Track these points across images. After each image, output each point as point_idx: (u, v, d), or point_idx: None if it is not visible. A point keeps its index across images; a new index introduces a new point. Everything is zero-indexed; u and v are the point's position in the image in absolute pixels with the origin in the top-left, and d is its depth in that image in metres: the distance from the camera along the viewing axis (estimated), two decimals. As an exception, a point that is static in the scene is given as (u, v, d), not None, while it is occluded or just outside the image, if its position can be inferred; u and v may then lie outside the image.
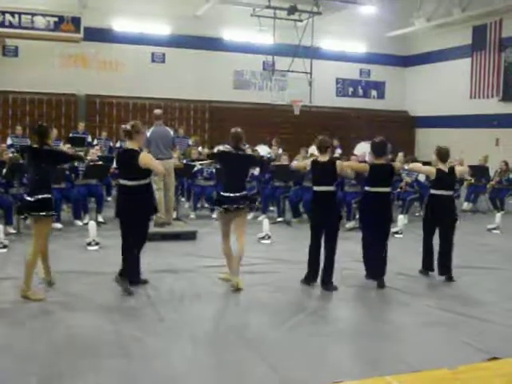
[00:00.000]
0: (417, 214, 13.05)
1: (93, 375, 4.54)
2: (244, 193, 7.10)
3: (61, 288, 6.83)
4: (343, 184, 11.87)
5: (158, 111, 10.57)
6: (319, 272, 7.20)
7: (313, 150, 15.06)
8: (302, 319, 5.98)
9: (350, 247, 8.45)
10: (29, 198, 6.47)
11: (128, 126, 6.81)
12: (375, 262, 7.43)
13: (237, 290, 6.89)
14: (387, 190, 7.50)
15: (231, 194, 7.01)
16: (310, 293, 7.03)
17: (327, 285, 7.11)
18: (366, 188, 7.58)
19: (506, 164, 14.37)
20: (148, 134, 9.78)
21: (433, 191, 7.86)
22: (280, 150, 15.00)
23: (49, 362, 4.77)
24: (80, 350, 5.01)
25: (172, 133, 10.67)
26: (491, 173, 14.50)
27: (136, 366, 4.73)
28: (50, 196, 6.54)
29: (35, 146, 6.67)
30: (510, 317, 6.19)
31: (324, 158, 7.23)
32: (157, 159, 9.52)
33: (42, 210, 6.46)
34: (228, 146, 12.13)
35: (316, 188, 7.20)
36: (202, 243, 9.53)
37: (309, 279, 7.27)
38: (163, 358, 4.87)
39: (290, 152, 13.61)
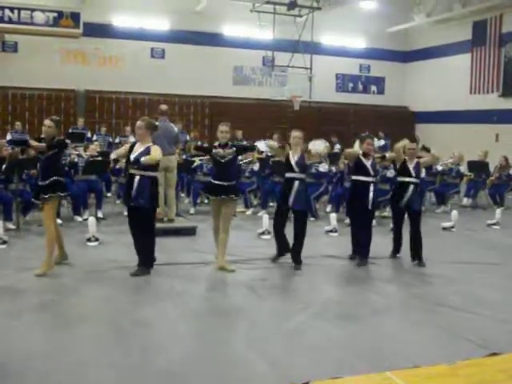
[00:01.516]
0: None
1: (92, 369, 4.55)
2: (232, 182, 7.74)
3: (60, 283, 6.84)
4: (343, 179, 11.86)
5: (163, 106, 10.43)
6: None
7: (313, 144, 15.07)
8: (301, 315, 5.98)
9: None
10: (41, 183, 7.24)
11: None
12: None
13: (226, 271, 7.54)
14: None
15: (223, 183, 7.66)
16: (311, 287, 7.03)
17: (298, 262, 7.91)
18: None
19: (506, 159, 14.36)
20: None
21: (399, 179, 8.53)
22: (280, 146, 14.96)
23: (46, 355, 4.77)
24: (78, 345, 5.01)
25: (176, 129, 10.60)
26: (491, 168, 14.49)
27: (135, 360, 4.73)
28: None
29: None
30: (510, 312, 6.19)
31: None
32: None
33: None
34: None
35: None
36: (202, 239, 9.52)
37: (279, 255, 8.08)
38: (162, 353, 4.87)
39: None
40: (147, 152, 7.13)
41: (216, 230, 7.96)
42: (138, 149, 7.26)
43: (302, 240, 7.91)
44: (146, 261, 7.34)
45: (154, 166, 7.26)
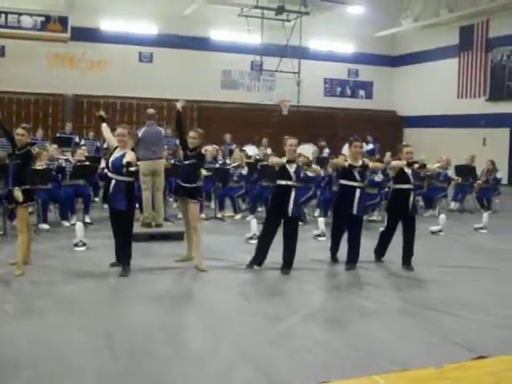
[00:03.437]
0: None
1: (79, 375, 4.52)
2: (194, 185, 7.95)
3: (47, 289, 6.79)
4: (331, 183, 11.87)
5: (150, 111, 10.41)
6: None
7: (301, 149, 15.10)
8: (290, 319, 5.97)
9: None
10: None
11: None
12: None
13: (200, 270, 7.74)
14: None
15: (184, 185, 7.96)
16: (300, 292, 7.03)
17: (288, 269, 7.85)
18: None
19: (493, 163, 14.43)
20: (139, 134, 9.75)
21: (398, 186, 8.38)
22: (268, 150, 14.99)
23: (33, 361, 4.74)
24: (65, 351, 4.97)
25: (163, 133, 10.59)
26: (478, 172, 14.55)
27: (121, 365, 4.70)
28: None
29: None
30: (497, 315, 6.22)
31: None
32: (147, 159, 9.52)
33: None
34: (215, 146, 12.57)
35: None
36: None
37: (255, 263, 8.05)
38: (148, 358, 4.84)
39: (278, 152, 13.61)
40: (123, 157, 7.24)
41: (185, 229, 8.43)
42: (118, 153, 7.45)
43: (295, 246, 7.92)
44: (126, 260, 7.52)
45: (132, 172, 7.24)
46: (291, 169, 7.82)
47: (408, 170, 8.29)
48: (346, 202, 8.12)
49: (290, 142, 7.92)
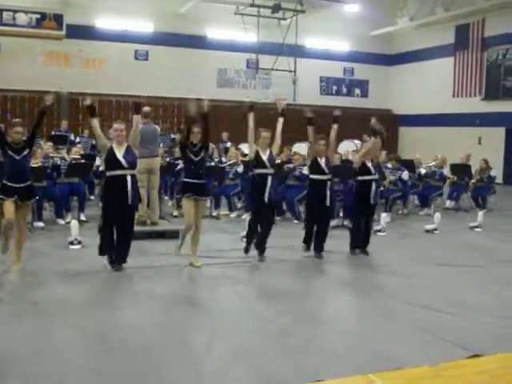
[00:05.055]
0: (399, 212, 13.12)
1: (74, 374, 4.51)
2: (205, 181, 8.01)
3: (42, 287, 6.77)
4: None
5: (146, 109, 10.38)
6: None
7: (297, 147, 15.10)
8: (284, 318, 5.97)
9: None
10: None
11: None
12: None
13: (195, 267, 7.77)
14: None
15: (199, 181, 7.81)
16: (293, 291, 7.02)
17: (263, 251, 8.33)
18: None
19: (486, 162, 14.46)
20: None
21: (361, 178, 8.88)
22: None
23: (28, 360, 4.72)
24: (60, 350, 4.96)
25: (159, 131, 10.59)
26: (473, 171, 14.57)
27: (117, 365, 4.69)
28: None
29: None
30: (491, 314, 6.22)
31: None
32: (142, 157, 9.51)
33: None
34: (211, 144, 12.54)
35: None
36: (186, 242, 9.47)
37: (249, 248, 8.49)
38: (144, 357, 4.83)
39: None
40: (132, 152, 7.45)
41: (190, 228, 7.94)
42: (120, 150, 7.39)
43: (264, 231, 8.33)
44: (125, 256, 7.55)
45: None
46: (265, 156, 8.19)
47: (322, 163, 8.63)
48: (317, 195, 8.56)
49: (264, 134, 8.28)
